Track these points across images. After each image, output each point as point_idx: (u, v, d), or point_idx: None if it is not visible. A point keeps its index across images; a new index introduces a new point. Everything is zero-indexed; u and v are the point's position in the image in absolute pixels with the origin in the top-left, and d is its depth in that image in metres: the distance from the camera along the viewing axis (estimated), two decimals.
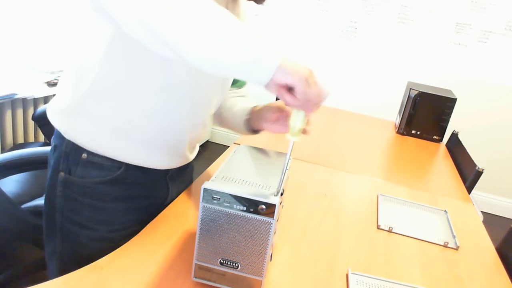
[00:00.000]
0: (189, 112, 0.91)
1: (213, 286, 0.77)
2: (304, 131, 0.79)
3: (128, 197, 0.94)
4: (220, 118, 1.14)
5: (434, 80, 2.83)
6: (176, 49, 0.65)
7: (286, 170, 0.75)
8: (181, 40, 0.63)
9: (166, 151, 0.94)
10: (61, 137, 0.89)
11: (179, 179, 1.07)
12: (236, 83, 1.13)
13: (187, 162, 1.04)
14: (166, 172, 0.99)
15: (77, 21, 0.85)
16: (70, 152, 0.89)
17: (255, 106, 1.05)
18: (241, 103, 1.09)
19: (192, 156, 1.06)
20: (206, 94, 0.92)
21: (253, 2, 0.91)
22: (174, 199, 1.05)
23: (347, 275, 0.89)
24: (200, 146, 1.11)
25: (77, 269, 0.77)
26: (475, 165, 1.52)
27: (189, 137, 0.96)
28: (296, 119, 0.72)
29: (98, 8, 0.75)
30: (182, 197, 1.08)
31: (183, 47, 0.64)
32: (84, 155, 0.88)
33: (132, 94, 0.84)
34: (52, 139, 0.94)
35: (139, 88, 0.83)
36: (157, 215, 0.97)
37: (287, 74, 0.65)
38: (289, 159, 0.75)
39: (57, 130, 0.90)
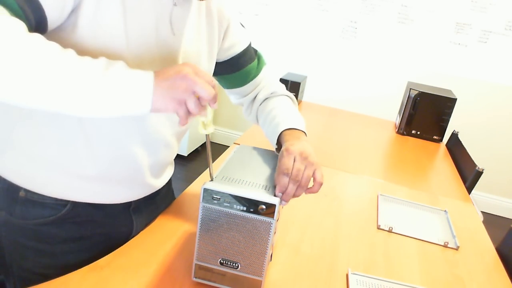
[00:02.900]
0: (140, 134, 0.79)
1: (213, 286, 0.77)
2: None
3: (80, 238, 0.83)
4: (261, 126, 1.01)
5: (434, 80, 2.83)
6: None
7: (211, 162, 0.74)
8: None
9: (121, 183, 0.82)
10: None
11: (146, 210, 0.93)
12: (249, 77, 1.00)
13: (154, 191, 0.92)
14: (128, 204, 0.87)
15: None
16: (8, 189, 0.77)
17: (282, 132, 0.89)
18: (274, 120, 0.94)
19: (160, 182, 0.92)
20: (156, 114, 0.79)
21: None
22: (141, 231, 0.91)
23: (347, 275, 0.89)
24: (200, 146, 1.08)
25: None
26: (475, 165, 1.52)
27: (148, 163, 0.84)
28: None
29: None
30: (182, 197, 1.08)
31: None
32: (22, 193, 0.77)
33: (64, 123, 0.73)
34: None
35: (70, 117, 0.72)
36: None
37: (165, 108, 0.63)
38: (210, 149, 0.74)
39: None
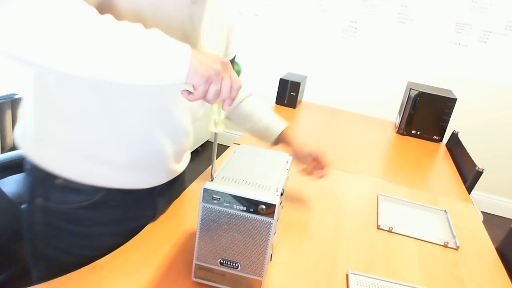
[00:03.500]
0: (164, 123, 0.86)
1: (213, 286, 0.77)
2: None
3: (112, 221, 0.89)
4: (238, 123, 1.18)
5: (434, 80, 2.83)
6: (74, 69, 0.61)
7: (214, 160, 0.76)
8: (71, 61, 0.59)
9: (148, 170, 0.89)
10: (32, 163, 0.84)
11: (168, 194, 1.01)
12: None
13: (176, 175, 0.99)
14: (152, 189, 0.93)
15: None
16: (45, 178, 0.83)
17: (283, 132, 1.13)
18: (263, 121, 1.14)
19: (180, 167, 1.00)
20: (178, 104, 0.87)
21: None
22: (162, 214, 0.99)
23: (347, 275, 0.89)
24: (200, 146, 1.12)
25: None
26: (475, 165, 1.52)
27: (172, 150, 0.91)
28: (214, 112, 0.73)
29: None
30: (182, 197, 1.08)
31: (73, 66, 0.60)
32: (60, 180, 0.82)
33: (96, 116, 0.79)
34: (24, 162, 0.87)
35: (102, 109, 0.78)
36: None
37: (193, 76, 0.66)
38: (216, 149, 0.77)
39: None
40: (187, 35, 0.82)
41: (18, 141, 0.86)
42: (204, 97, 0.68)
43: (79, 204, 0.84)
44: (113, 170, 0.84)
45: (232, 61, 1.10)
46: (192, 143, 1.05)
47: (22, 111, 0.85)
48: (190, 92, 0.68)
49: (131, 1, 0.71)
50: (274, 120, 1.16)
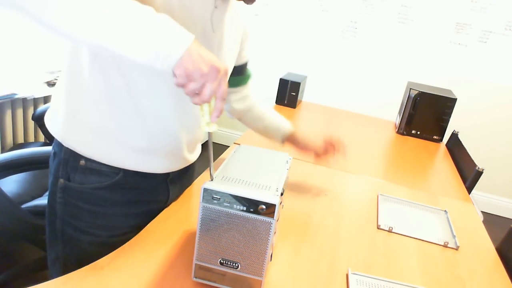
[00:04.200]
0: (181, 113, 0.91)
1: (213, 286, 0.77)
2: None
3: (127, 202, 0.95)
4: (248, 124, 1.26)
5: (434, 80, 2.83)
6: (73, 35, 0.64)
7: (212, 160, 0.75)
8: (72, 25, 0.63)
9: (164, 155, 0.94)
10: (59, 145, 0.91)
11: (179, 182, 1.07)
12: (242, 82, 1.18)
13: (188, 164, 1.04)
14: (166, 175, 0.99)
15: None
16: (69, 159, 0.90)
17: (292, 130, 1.22)
18: (274, 123, 1.23)
19: (193, 157, 1.06)
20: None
21: (243, 2, 0.91)
22: (174, 201, 1.05)
23: (347, 275, 0.89)
24: None
25: None
26: (475, 165, 1.52)
27: (186, 139, 0.97)
28: (205, 112, 0.73)
29: None
30: (183, 197, 1.08)
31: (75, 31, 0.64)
32: (82, 162, 0.89)
33: (120, 100, 0.84)
34: (52, 146, 0.95)
35: (126, 93, 0.84)
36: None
37: (178, 67, 0.66)
38: (212, 148, 0.77)
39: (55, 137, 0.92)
40: (208, 37, 0.87)
41: (48, 124, 0.92)
42: (183, 89, 0.69)
43: (99, 184, 0.90)
44: (132, 152, 0.90)
45: (245, 67, 1.16)
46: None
47: (54, 96, 0.91)
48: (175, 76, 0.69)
49: (166, 1, 0.75)
50: (283, 121, 1.26)
